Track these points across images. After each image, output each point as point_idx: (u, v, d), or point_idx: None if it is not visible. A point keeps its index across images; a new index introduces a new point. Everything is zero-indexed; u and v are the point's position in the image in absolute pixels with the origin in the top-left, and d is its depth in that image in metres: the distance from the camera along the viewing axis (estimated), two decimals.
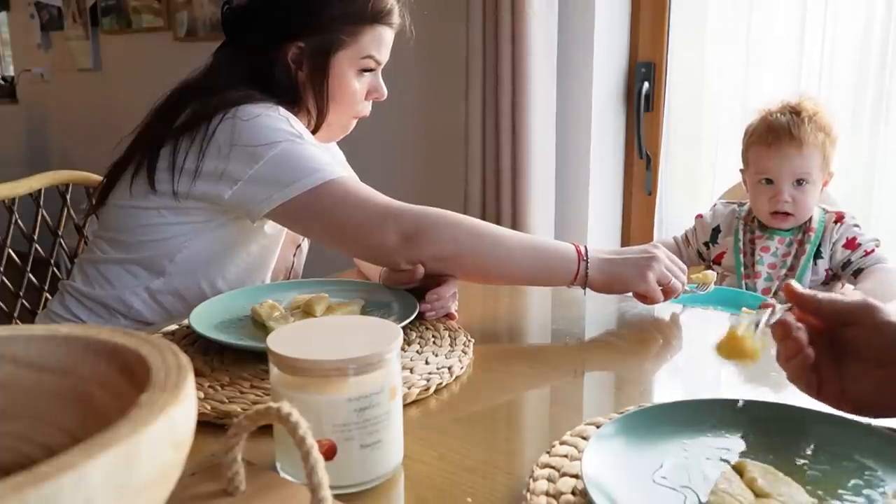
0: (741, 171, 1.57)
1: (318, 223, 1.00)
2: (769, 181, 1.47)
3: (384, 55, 1.15)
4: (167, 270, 1.07)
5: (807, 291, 0.65)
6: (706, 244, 1.60)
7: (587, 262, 0.97)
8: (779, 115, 1.47)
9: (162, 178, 1.02)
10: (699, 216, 1.63)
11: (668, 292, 0.99)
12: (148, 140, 1.06)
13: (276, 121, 1.01)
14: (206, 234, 1.06)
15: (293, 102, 1.10)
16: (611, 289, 0.99)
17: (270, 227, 1.11)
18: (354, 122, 1.20)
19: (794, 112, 1.46)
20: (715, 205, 1.63)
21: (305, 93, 1.12)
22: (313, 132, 1.14)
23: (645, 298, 0.99)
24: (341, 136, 1.22)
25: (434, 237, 0.96)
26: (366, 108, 1.19)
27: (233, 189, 0.99)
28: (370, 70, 1.15)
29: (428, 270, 0.97)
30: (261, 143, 0.98)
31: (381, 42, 1.13)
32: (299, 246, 1.31)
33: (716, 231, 1.59)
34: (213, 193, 1.00)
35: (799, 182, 1.45)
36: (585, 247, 0.99)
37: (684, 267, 1.04)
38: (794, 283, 0.66)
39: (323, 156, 1.01)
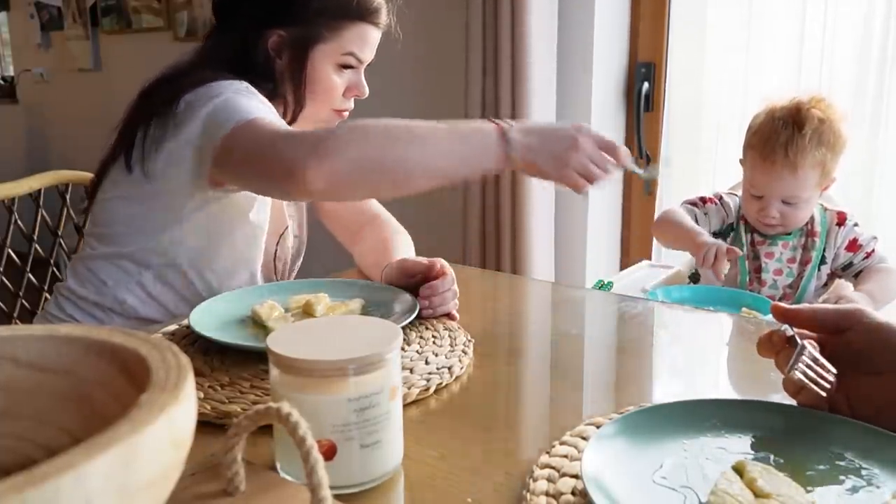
0: (741, 161, 1.51)
1: (239, 162, 0.96)
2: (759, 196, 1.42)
3: (367, 54, 1.15)
4: (153, 263, 1.08)
5: (794, 307, 0.67)
6: (714, 234, 1.50)
7: (508, 145, 0.90)
8: (781, 123, 1.38)
9: (135, 157, 1.04)
10: (719, 197, 1.54)
11: (590, 179, 0.92)
12: (125, 127, 1.08)
13: (231, 83, 1.02)
14: (185, 222, 1.06)
15: (271, 89, 1.10)
16: (532, 175, 0.94)
17: (254, 213, 1.11)
18: (336, 118, 1.18)
19: (798, 125, 1.36)
20: (721, 197, 1.55)
21: (283, 82, 1.12)
22: (290, 123, 1.13)
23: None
24: None
25: (345, 139, 0.87)
26: (346, 105, 1.18)
27: (189, 150, 1.00)
28: (351, 67, 1.14)
29: (348, 194, 0.95)
30: (210, 97, 0.99)
31: (364, 40, 1.13)
32: (282, 234, 1.30)
33: (730, 227, 1.53)
34: (175, 157, 1.01)
35: (790, 201, 1.40)
36: (510, 123, 0.91)
37: (614, 145, 0.93)
38: (779, 304, 0.68)
39: (259, 107, 0.99)
